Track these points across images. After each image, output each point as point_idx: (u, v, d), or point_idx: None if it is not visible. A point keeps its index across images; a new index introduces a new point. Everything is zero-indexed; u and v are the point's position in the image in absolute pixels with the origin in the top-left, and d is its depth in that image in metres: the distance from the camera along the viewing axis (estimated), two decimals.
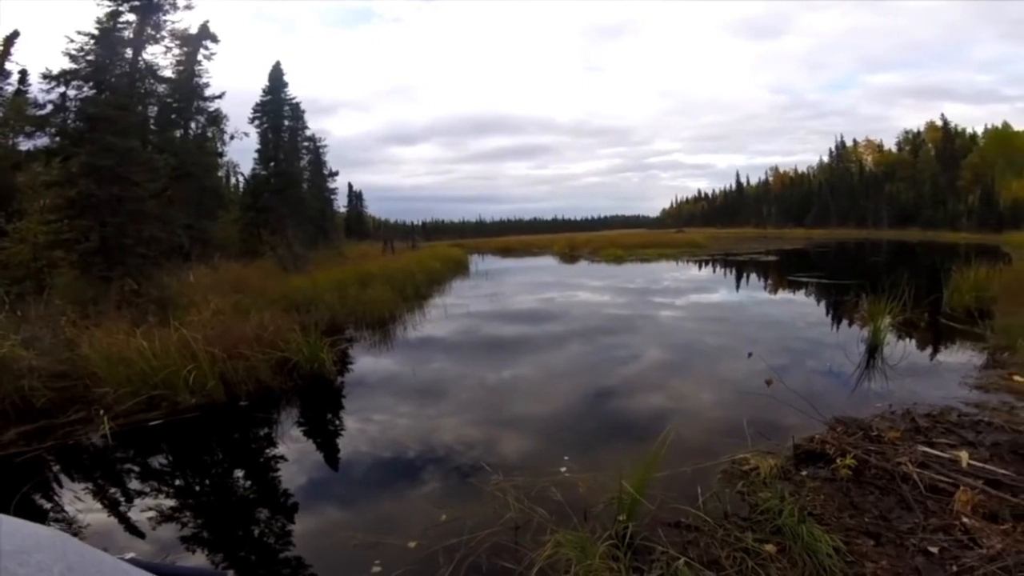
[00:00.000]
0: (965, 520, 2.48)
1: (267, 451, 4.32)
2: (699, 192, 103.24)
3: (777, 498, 2.65)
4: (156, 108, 15.97)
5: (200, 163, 16.12)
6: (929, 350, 6.56)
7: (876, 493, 2.89)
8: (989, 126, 56.62)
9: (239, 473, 4.07)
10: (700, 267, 20.68)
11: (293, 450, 4.20)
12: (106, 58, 12.16)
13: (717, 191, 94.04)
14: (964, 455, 3.03)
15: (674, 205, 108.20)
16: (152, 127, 15.70)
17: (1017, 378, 4.64)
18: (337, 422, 4.94)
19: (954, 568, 2.17)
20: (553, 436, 4.18)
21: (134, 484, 3.71)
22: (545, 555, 2.30)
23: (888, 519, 2.61)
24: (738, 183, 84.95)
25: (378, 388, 5.82)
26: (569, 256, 27.28)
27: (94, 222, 9.39)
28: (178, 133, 16.60)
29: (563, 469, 3.36)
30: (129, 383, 4.81)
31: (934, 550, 2.31)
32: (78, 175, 9.40)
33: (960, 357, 5.97)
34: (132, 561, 0.55)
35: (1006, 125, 55.54)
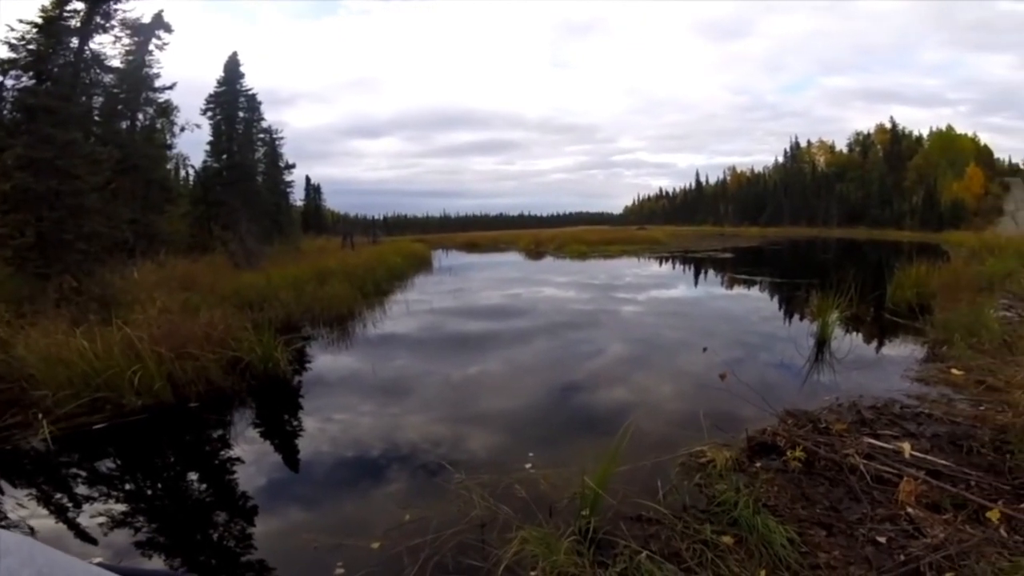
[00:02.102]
0: (909, 510, 2.60)
1: (222, 453, 4.16)
2: (660, 190, 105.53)
3: (733, 490, 2.72)
4: (102, 99, 15.20)
5: (147, 155, 15.40)
6: (874, 344, 6.89)
7: (826, 484, 3.00)
8: (934, 129, 60.04)
9: (193, 476, 3.89)
10: (661, 263, 21.11)
11: (249, 452, 4.06)
12: (49, 47, 11.46)
13: (678, 189, 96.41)
14: (907, 446, 3.19)
15: (636, 203, 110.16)
16: (96, 118, 14.92)
17: (954, 371, 4.90)
18: (295, 422, 4.79)
19: (901, 557, 2.27)
20: (518, 433, 4.18)
21: (81, 489, 3.52)
22: (512, 552, 2.31)
23: (838, 510, 2.72)
24: (697, 182, 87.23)
25: (338, 387, 5.68)
26: (534, 252, 27.37)
27: (30, 217, 8.83)
28: (124, 124, 15.83)
29: (528, 466, 3.36)
30: (70, 385, 4.52)
31: (882, 540, 2.41)
32: (13, 167, 8.80)
33: (902, 351, 6.29)
34: (100, 565, 0.55)
35: (950, 128, 59.05)
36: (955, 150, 55.19)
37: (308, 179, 44.14)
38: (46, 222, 8.82)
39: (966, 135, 58.38)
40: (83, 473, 3.82)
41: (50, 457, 3.94)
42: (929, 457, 3.18)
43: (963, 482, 2.88)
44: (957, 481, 2.89)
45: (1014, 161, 58.98)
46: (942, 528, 2.41)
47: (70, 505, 3.32)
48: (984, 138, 59.60)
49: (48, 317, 5.89)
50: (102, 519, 3.06)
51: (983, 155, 56.50)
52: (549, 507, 2.80)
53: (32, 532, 2.92)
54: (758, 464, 3.29)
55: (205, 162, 19.61)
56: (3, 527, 2.47)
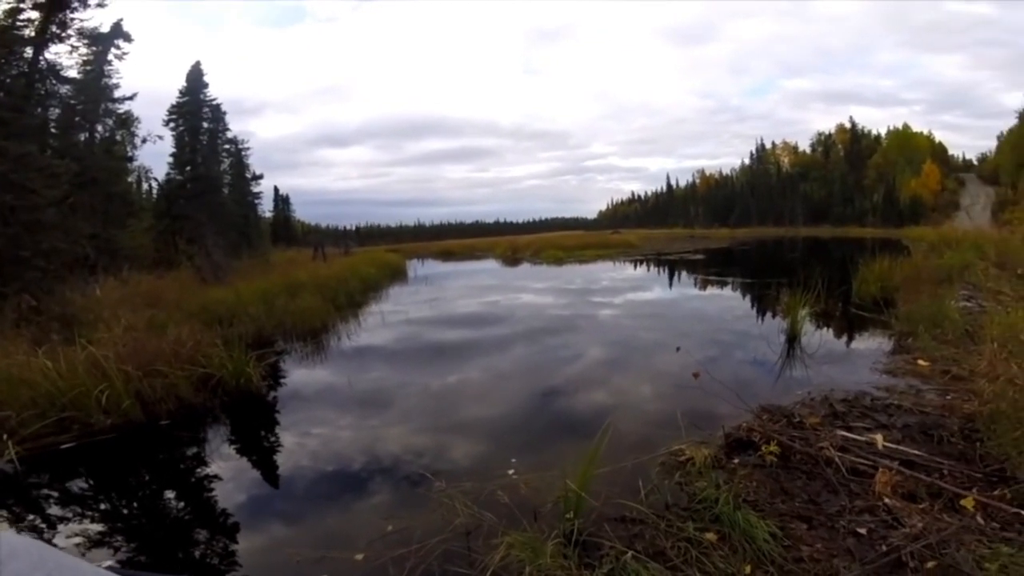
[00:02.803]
0: (887, 500, 2.66)
1: (197, 470, 4.06)
2: (632, 194, 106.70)
3: (713, 487, 2.75)
4: (58, 110, 14.71)
5: (107, 168, 14.94)
6: (842, 338, 7.08)
7: (803, 478, 3.06)
8: (891, 128, 62.41)
9: (169, 494, 3.78)
10: (635, 266, 21.37)
11: (226, 468, 3.96)
12: (1, 58, 11.05)
13: (649, 193, 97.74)
14: (879, 437, 3.27)
15: (610, 207, 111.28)
16: (53, 130, 14.43)
17: (921, 362, 5.06)
18: (271, 438, 4.68)
19: (883, 548, 2.31)
20: (499, 439, 4.16)
21: (53, 510, 3.41)
22: (498, 558, 2.29)
23: (817, 503, 2.77)
24: (668, 185, 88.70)
25: (314, 401, 5.57)
26: (511, 259, 27.37)
27: None
28: (82, 137, 15.33)
29: (511, 472, 3.34)
30: (34, 405, 4.38)
31: (862, 531, 2.46)
32: None
33: (870, 344, 6.47)
34: (109, 569, 0.55)
35: (906, 127, 61.42)
36: (912, 148, 57.47)
37: (276, 190, 43.40)
38: (1, 239, 8.46)
39: (921, 133, 60.89)
40: (54, 493, 3.71)
41: (18, 478, 3.80)
42: (902, 448, 3.26)
43: (936, 471, 2.96)
44: (931, 470, 2.97)
45: (967, 157, 61.87)
46: (920, 517, 2.47)
47: (43, 526, 3.22)
48: (938, 135, 62.32)
49: (7, 337, 5.67)
50: (77, 539, 2.97)
51: (938, 152, 58.96)
52: (533, 512, 2.78)
53: None
54: (736, 460, 3.34)
55: (168, 174, 19.14)
56: None
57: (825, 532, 2.49)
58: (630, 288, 14.15)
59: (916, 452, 3.19)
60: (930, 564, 2.15)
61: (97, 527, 3.15)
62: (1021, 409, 2.99)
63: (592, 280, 16.40)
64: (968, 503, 2.57)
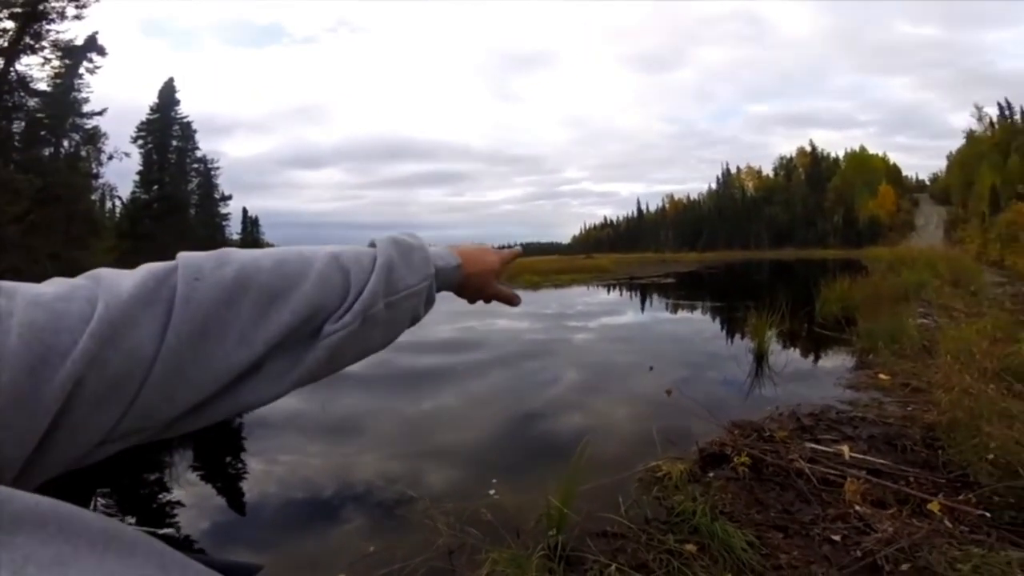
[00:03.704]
0: (857, 508, 2.75)
1: (159, 496, 3.89)
2: (605, 219, 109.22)
3: (690, 500, 2.81)
4: (24, 123, 14.25)
5: (70, 185, 14.47)
6: (808, 356, 7.31)
7: (776, 489, 3.13)
8: (848, 150, 65.19)
9: (130, 520, 3.58)
10: (608, 291, 21.63)
11: (189, 495, 3.82)
12: None
13: (621, 217, 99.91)
14: (846, 448, 3.39)
15: (583, 231, 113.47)
16: (16, 144, 13.95)
17: (882, 376, 5.27)
18: (239, 464, 4.52)
19: (858, 552, 2.39)
20: (479, 462, 4.13)
21: None
22: (484, 574, 2.28)
23: (791, 512, 2.84)
24: (639, 210, 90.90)
25: (282, 428, 5.40)
26: None
27: None
28: (47, 151, 14.89)
29: (492, 492, 3.33)
30: None
31: (836, 538, 2.54)
32: None
33: (834, 361, 6.71)
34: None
35: (862, 149, 64.29)
36: (868, 170, 60.21)
37: (245, 211, 42.88)
38: None
39: (877, 155, 63.91)
40: None
41: None
42: (868, 457, 3.39)
43: (902, 478, 3.08)
44: (897, 478, 3.09)
45: (920, 177, 65.10)
46: (890, 523, 2.56)
47: None
48: (892, 157, 65.56)
49: None
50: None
51: (893, 173, 61.96)
52: (516, 529, 2.77)
53: None
54: (711, 474, 3.40)
55: (134, 193, 18.75)
56: None
57: (801, 540, 2.55)
58: (604, 312, 14.31)
59: (882, 461, 3.32)
60: (905, 567, 2.23)
61: None
62: (977, 417, 3.15)
63: (567, 304, 16.52)
64: (935, 507, 2.68)
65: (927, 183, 63.47)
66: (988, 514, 2.58)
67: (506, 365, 7.71)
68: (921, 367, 5.02)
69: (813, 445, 3.65)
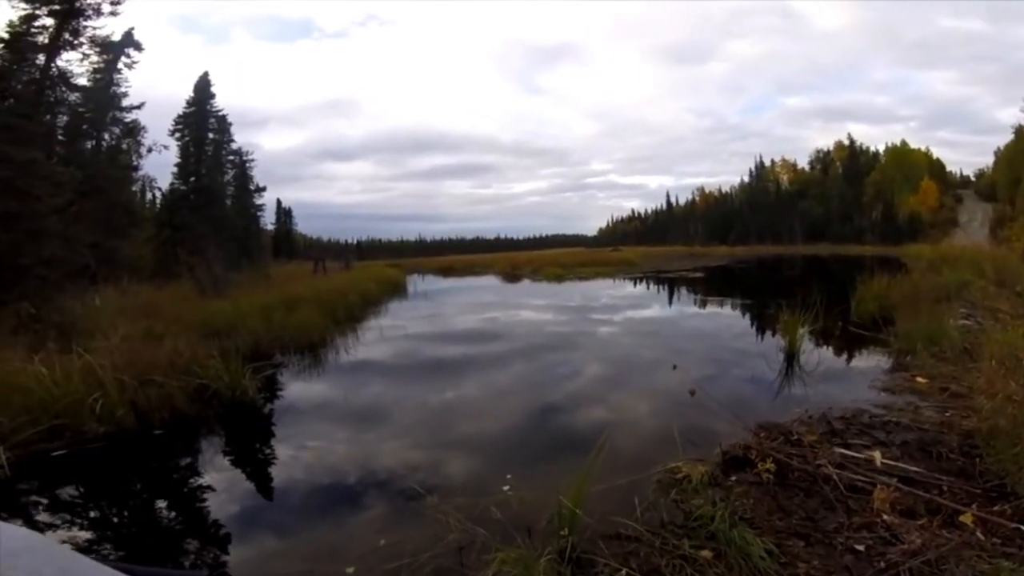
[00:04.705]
0: (885, 517, 2.63)
1: (191, 480, 4.05)
2: (632, 211, 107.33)
3: (709, 505, 2.73)
4: (66, 118, 14.81)
5: (111, 177, 14.98)
6: (841, 356, 7.06)
7: (801, 495, 3.02)
8: (889, 144, 62.51)
9: (161, 503, 3.76)
10: (634, 284, 21.38)
11: (220, 479, 3.94)
12: (13, 64, 11.17)
13: (649, 211, 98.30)
14: (877, 455, 3.25)
15: (610, 224, 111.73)
16: (60, 138, 14.50)
17: (919, 379, 5.05)
18: (266, 450, 4.64)
19: (881, 564, 2.28)
20: (495, 455, 4.14)
21: (43, 516, 3.40)
22: (490, 574, 2.26)
23: (814, 520, 2.74)
24: (668, 203, 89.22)
25: (310, 414, 5.54)
26: (511, 275, 27.41)
27: None
28: (89, 145, 15.44)
29: (505, 487, 3.31)
30: (27, 412, 4.37)
31: (860, 548, 2.43)
32: None
33: (868, 362, 6.46)
34: (113, 566, 0.55)
35: (904, 143, 61.55)
36: (909, 165, 57.60)
37: (279, 203, 43.65)
38: (2, 245, 8.48)
39: (919, 150, 61.05)
40: (43, 500, 3.69)
41: (8, 484, 3.78)
42: (900, 464, 3.24)
43: (935, 487, 2.94)
44: (929, 487, 2.94)
45: (965, 173, 62.08)
46: (919, 534, 2.44)
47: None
48: (935, 152, 62.50)
49: (4, 344, 5.68)
50: (65, 546, 2.90)
51: (936, 169, 59.13)
52: (527, 528, 2.75)
53: None
54: (733, 478, 3.31)
55: (172, 184, 19.23)
56: None
57: (822, 549, 2.46)
58: (629, 306, 14.15)
59: (915, 468, 3.17)
60: None
61: (85, 535, 3.13)
62: (1020, 425, 2.98)
63: (591, 297, 16.40)
64: (967, 519, 2.54)
65: (972, 179, 60.48)
66: (1023, 527, 2.43)
67: (528, 357, 7.70)
68: (962, 371, 4.78)
69: (843, 450, 3.52)
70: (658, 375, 6.45)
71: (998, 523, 2.50)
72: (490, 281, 25.74)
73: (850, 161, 60.95)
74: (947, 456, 3.34)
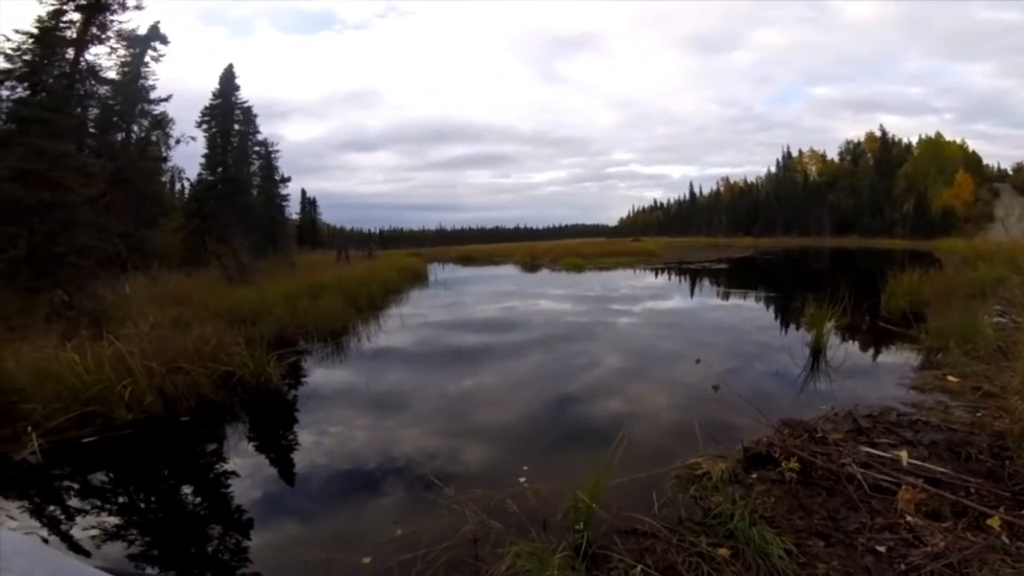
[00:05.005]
0: (909, 518, 2.57)
1: (215, 466, 4.14)
2: (655, 202, 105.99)
3: (729, 502, 2.70)
4: (97, 111, 15.23)
5: (140, 168, 15.37)
6: (869, 352, 6.89)
7: (823, 494, 2.97)
8: (922, 136, 60.29)
9: (186, 489, 3.87)
10: (656, 275, 21.14)
11: (243, 465, 4.03)
12: (44, 58, 11.51)
13: (671, 201, 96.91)
14: (904, 454, 3.16)
15: (631, 214, 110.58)
16: (91, 130, 14.93)
17: (950, 378, 4.89)
18: (289, 436, 4.74)
19: (902, 567, 2.23)
20: (512, 445, 4.15)
21: (73, 502, 3.50)
22: (504, 567, 2.27)
23: (836, 519, 2.68)
24: (691, 193, 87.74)
25: (332, 401, 5.63)
26: (530, 265, 27.36)
27: (21, 229, 8.77)
28: (119, 137, 15.84)
29: (522, 479, 3.32)
30: (59, 399, 4.51)
31: (882, 549, 2.38)
32: (5, 179, 8.76)
33: (897, 358, 6.28)
34: (105, 571, 0.58)
35: (939, 136, 59.27)
36: (944, 157, 55.46)
37: (304, 192, 44.11)
38: (37, 235, 8.78)
39: (954, 142, 58.67)
40: (75, 486, 3.81)
41: (41, 470, 3.91)
42: (927, 465, 3.15)
43: (962, 489, 2.85)
44: (956, 488, 2.86)
45: (1002, 167, 59.52)
46: (942, 536, 2.38)
47: (62, 517, 3.30)
48: (971, 145, 60.05)
49: (38, 331, 5.87)
50: (94, 531, 3.04)
51: (971, 161, 56.83)
52: (543, 521, 2.75)
53: None
54: (754, 475, 3.26)
55: (200, 175, 19.61)
56: None
57: (843, 550, 2.41)
58: (649, 297, 14.00)
59: (942, 469, 3.08)
60: None
61: (114, 520, 3.22)
62: None
63: (611, 288, 16.28)
64: (994, 522, 2.47)
65: (1009, 172, 57.87)
66: None
67: (547, 347, 7.69)
68: (995, 370, 4.62)
69: (868, 449, 3.43)
70: (678, 367, 6.38)
71: None
72: (509, 270, 25.73)
73: (882, 153, 58.97)
74: (976, 457, 3.24)
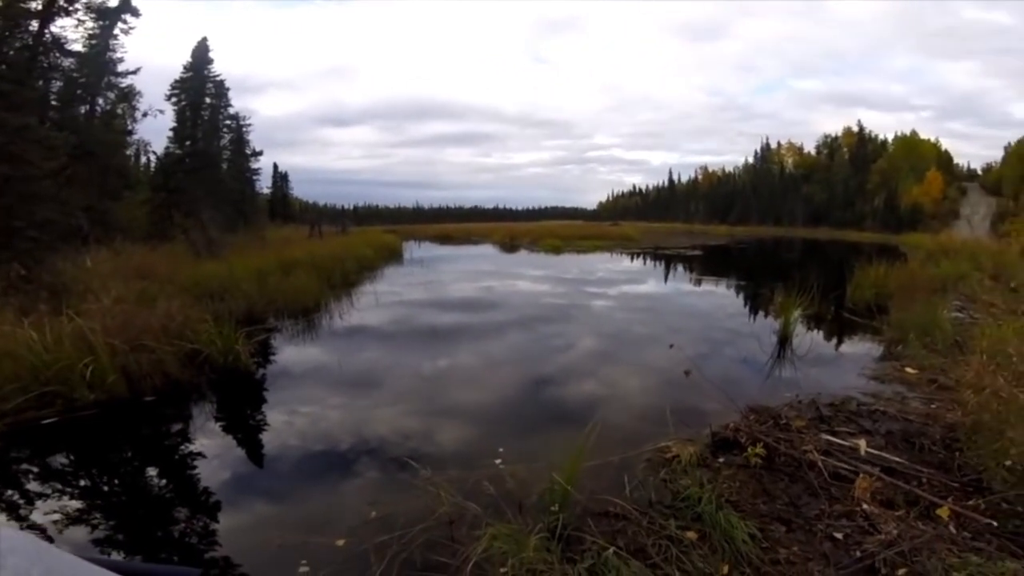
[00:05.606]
0: (865, 506, 2.69)
1: (181, 448, 4.04)
2: (634, 187, 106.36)
3: (697, 486, 2.78)
4: (60, 83, 14.56)
5: (104, 141, 14.77)
6: (833, 342, 7.12)
7: (786, 480, 3.08)
8: (898, 133, 61.78)
9: (152, 471, 3.76)
10: (632, 259, 21.36)
11: (210, 446, 3.95)
12: (6, 30, 10.88)
13: (651, 187, 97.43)
14: (862, 443, 3.29)
15: (610, 199, 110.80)
16: (54, 103, 14.27)
17: (909, 370, 5.10)
18: (258, 416, 4.67)
19: (857, 553, 2.34)
20: (488, 426, 4.18)
21: (33, 486, 3.37)
22: (480, 549, 2.29)
23: (797, 505, 2.79)
24: (670, 180, 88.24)
25: (303, 380, 5.56)
26: (509, 245, 27.35)
27: None
28: (83, 110, 15.19)
29: (498, 461, 3.34)
30: (17, 379, 4.28)
31: (839, 536, 2.49)
32: None
33: (860, 349, 6.51)
34: (101, 563, 0.55)
35: (914, 133, 60.79)
36: (917, 155, 57.02)
37: (276, 167, 42.89)
38: None
39: (928, 140, 60.30)
40: (35, 469, 3.65)
41: None
42: (884, 454, 3.30)
43: (915, 479, 3.00)
44: (910, 478, 3.00)
45: (972, 167, 61.49)
46: (895, 525, 2.50)
47: (21, 502, 3.18)
48: (945, 144, 61.79)
49: None
50: (56, 516, 2.95)
51: (943, 160, 58.53)
52: (518, 503, 2.79)
53: None
54: (721, 459, 3.36)
55: (167, 148, 18.88)
56: None
57: (803, 535, 2.51)
58: (626, 281, 14.16)
59: (897, 459, 3.23)
60: (901, 571, 2.18)
61: (76, 504, 3.12)
62: (1003, 421, 3.01)
63: (588, 271, 16.40)
64: (943, 512, 2.60)
65: (979, 172, 59.90)
66: (995, 523, 2.50)
67: (523, 328, 7.74)
68: (951, 363, 4.82)
69: (829, 437, 3.57)
70: (652, 351, 6.49)
71: (971, 517, 2.56)
72: (487, 250, 25.67)
73: (857, 148, 60.29)
74: (929, 448, 3.41)
